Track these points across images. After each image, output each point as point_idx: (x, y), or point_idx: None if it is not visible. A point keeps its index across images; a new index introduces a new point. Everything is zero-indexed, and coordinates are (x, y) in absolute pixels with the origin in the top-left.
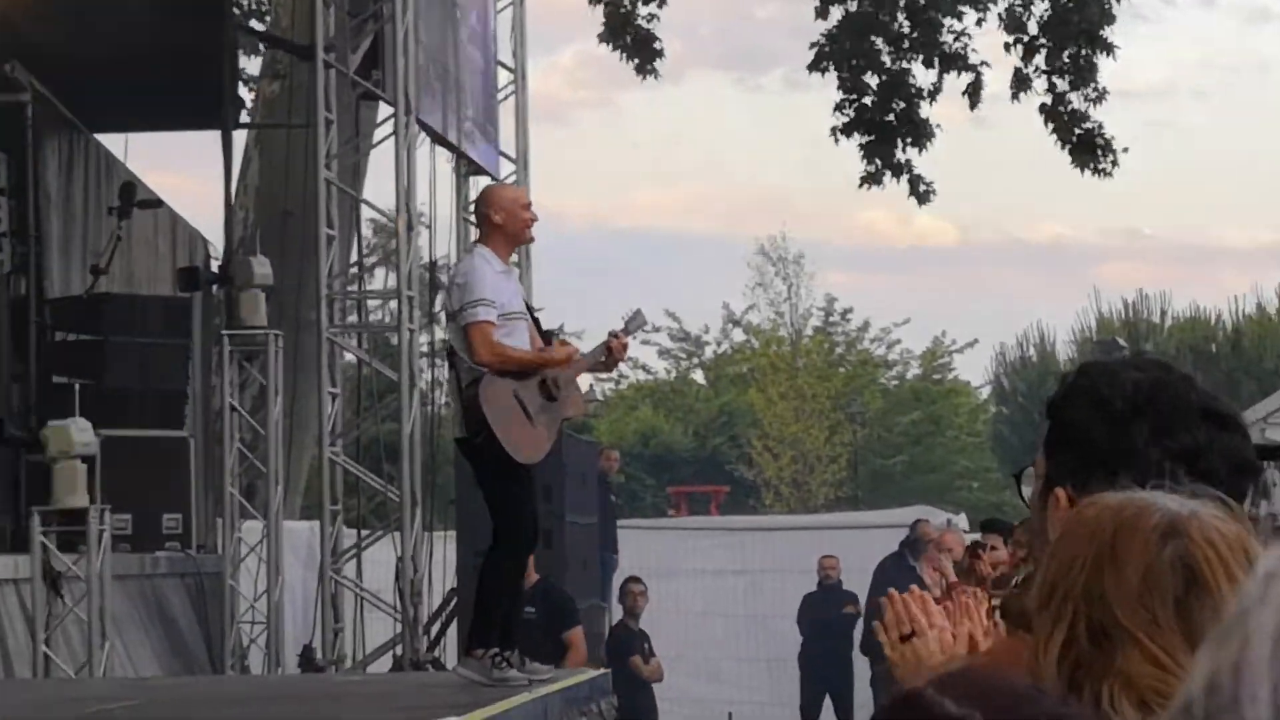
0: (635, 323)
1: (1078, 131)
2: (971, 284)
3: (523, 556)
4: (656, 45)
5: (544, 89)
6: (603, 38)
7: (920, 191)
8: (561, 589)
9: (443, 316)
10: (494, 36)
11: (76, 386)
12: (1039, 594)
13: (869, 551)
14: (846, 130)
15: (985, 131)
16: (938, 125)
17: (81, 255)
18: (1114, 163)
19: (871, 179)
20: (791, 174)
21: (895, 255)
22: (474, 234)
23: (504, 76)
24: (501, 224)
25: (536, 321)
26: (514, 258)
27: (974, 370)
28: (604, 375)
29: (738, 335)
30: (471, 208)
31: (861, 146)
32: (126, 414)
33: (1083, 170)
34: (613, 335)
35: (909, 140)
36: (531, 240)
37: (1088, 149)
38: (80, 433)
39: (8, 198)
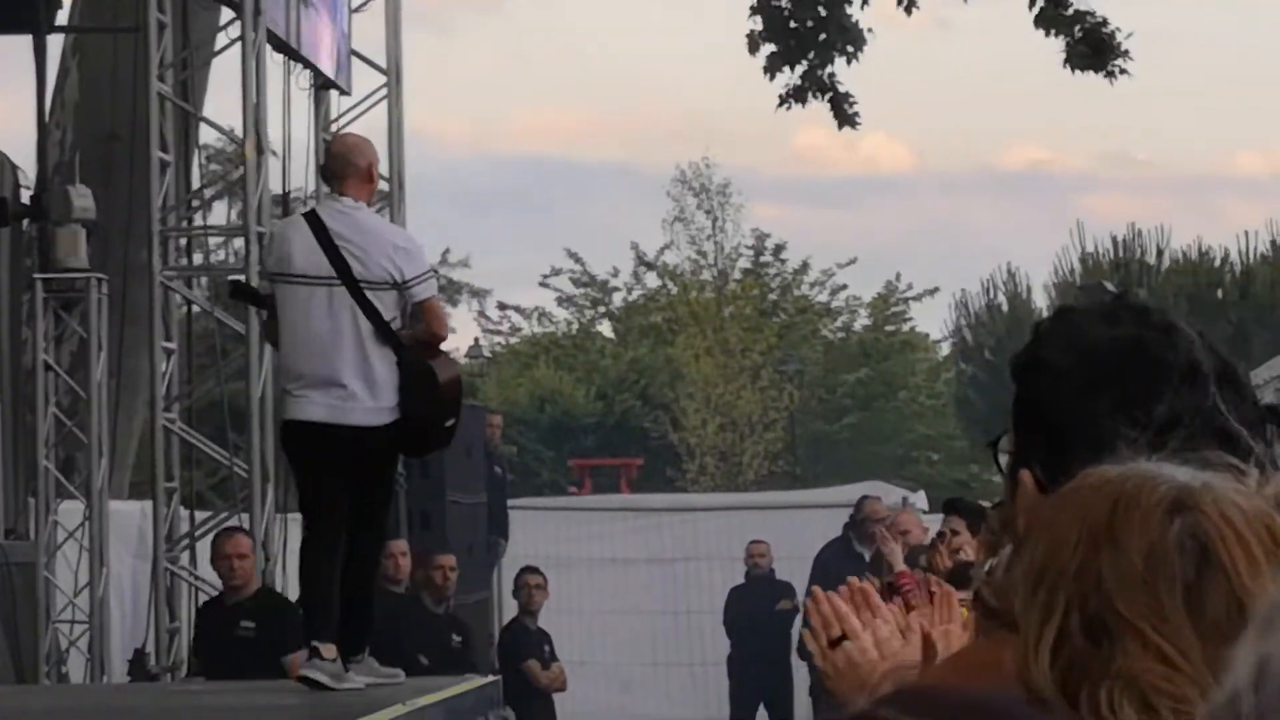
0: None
1: (1080, 28)
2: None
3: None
4: None
5: None
6: None
7: (845, 113)
8: (286, 599)
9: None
10: None
11: None
12: (1024, 583)
13: (808, 536)
14: (762, 37)
15: (946, 36)
16: (869, 29)
17: None
18: (1124, 63)
19: (794, 97)
20: (714, 90)
21: (839, 185)
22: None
23: None
24: (373, 181)
25: None
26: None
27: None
28: (491, 328)
29: (651, 280)
30: (333, 127)
31: (770, 58)
32: None
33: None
34: None
35: (834, 49)
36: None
37: (1093, 47)
38: None
39: None
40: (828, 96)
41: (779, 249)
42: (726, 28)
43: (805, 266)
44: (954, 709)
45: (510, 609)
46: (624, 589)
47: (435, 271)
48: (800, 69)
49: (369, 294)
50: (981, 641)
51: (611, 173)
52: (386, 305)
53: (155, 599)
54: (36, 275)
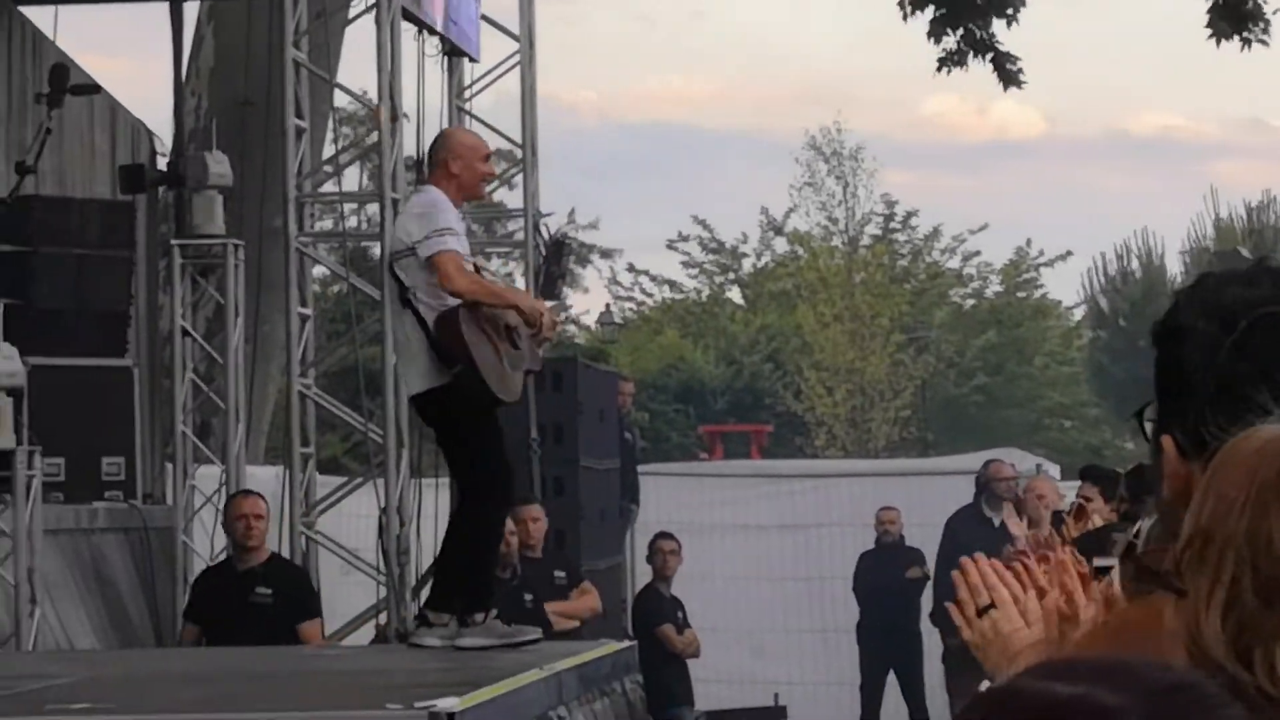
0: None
1: None
2: (1062, 185)
3: (508, 508)
4: None
5: None
6: None
7: (1009, 72)
8: (298, 567)
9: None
10: None
11: (0, 306)
12: (1189, 546)
13: (938, 503)
14: (917, 3)
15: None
16: None
17: (4, 151)
18: (1266, 30)
19: (951, 60)
20: (844, 56)
21: (970, 151)
22: (468, 126)
23: None
24: (458, 174)
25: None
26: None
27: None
28: (622, 295)
29: (780, 245)
30: (465, 94)
31: (933, 22)
32: (59, 339)
33: (1222, 40)
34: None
35: (992, 12)
36: (482, 197)
37: (1234, 12)
38: (4, 361)
39: None
40: (989, 57)
41: (910, 216)
42: None
43: (936, 232)
44: (1157, 688)
45: (643, 575)
46: (755, 555)
47: (449, 231)
48: (959, 32)
49: (395, 265)
50: (1134, 605)
51: (739, 139)
52: (410, 273)
53: None
54: (173, 241)
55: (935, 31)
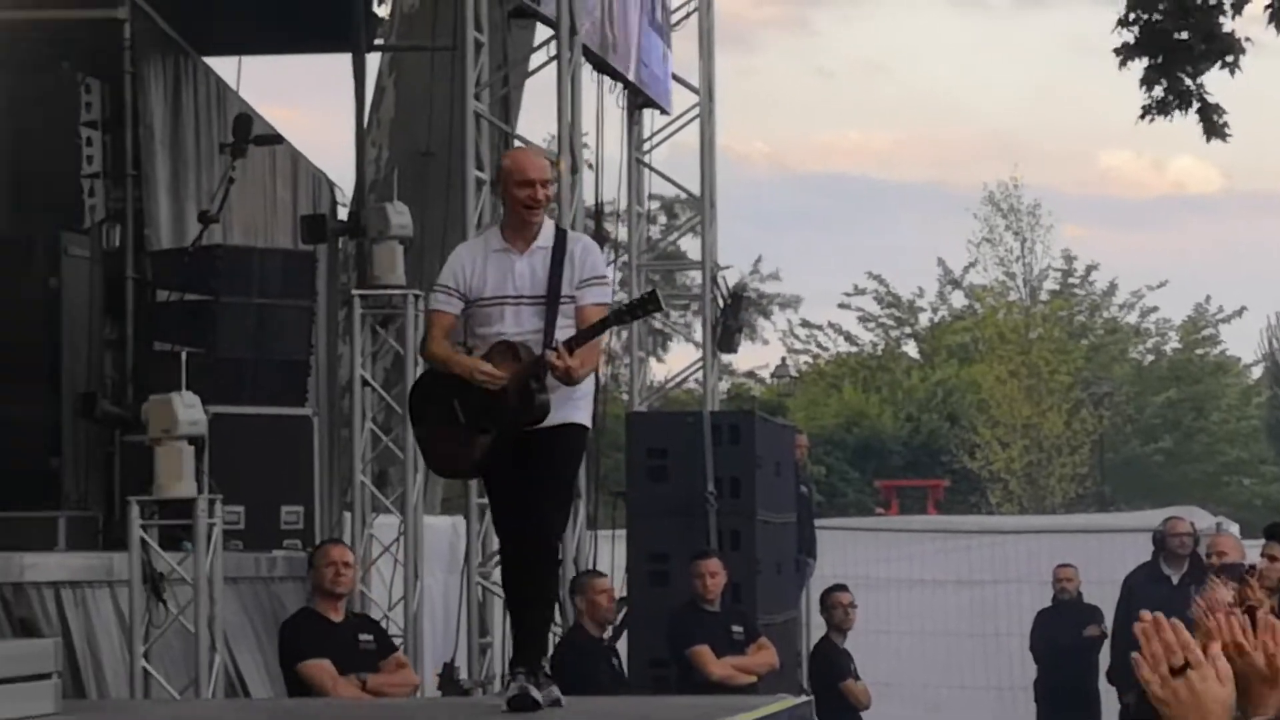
0: (635, 310)
1: None
2: (1240, 240)
3: (514, 565)
4: None
5: (723, 5)
6: None
7: (1215, 124)
8: (367, 615)
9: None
10: None
11: (182, 355)
12: None
13: (1116, 560)
14: (1131, 51)
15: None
16: (1246, 39)
17: (188, 200)
18: None
19: (1158, 108)
20: (1021, 110)
21: (1146, 206)
22: (646, 176)
23: None
24: (502, 201)
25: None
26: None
27: (1245, 343)
28: (798, 348)
29: (957, 300)
30: (645, 145)
31: (1147, 71)
32: (240, 388)
33: None
34: (552, 349)
35: (1207, 61)
36: (531, 224)
37: None
38: (186, 409)
39: (102, 132)
40: (1196, 108)
41: (1089, 270)
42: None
43: (1113, 288)
44: None
45: (818, 629)
46: (931, 610)
47: (440, 288)
48: (1165, 83)
49: None
50: None
51: (916, 192)
52: None
53: (466, 614)
54: (354, 291)
55: (1149, 80)
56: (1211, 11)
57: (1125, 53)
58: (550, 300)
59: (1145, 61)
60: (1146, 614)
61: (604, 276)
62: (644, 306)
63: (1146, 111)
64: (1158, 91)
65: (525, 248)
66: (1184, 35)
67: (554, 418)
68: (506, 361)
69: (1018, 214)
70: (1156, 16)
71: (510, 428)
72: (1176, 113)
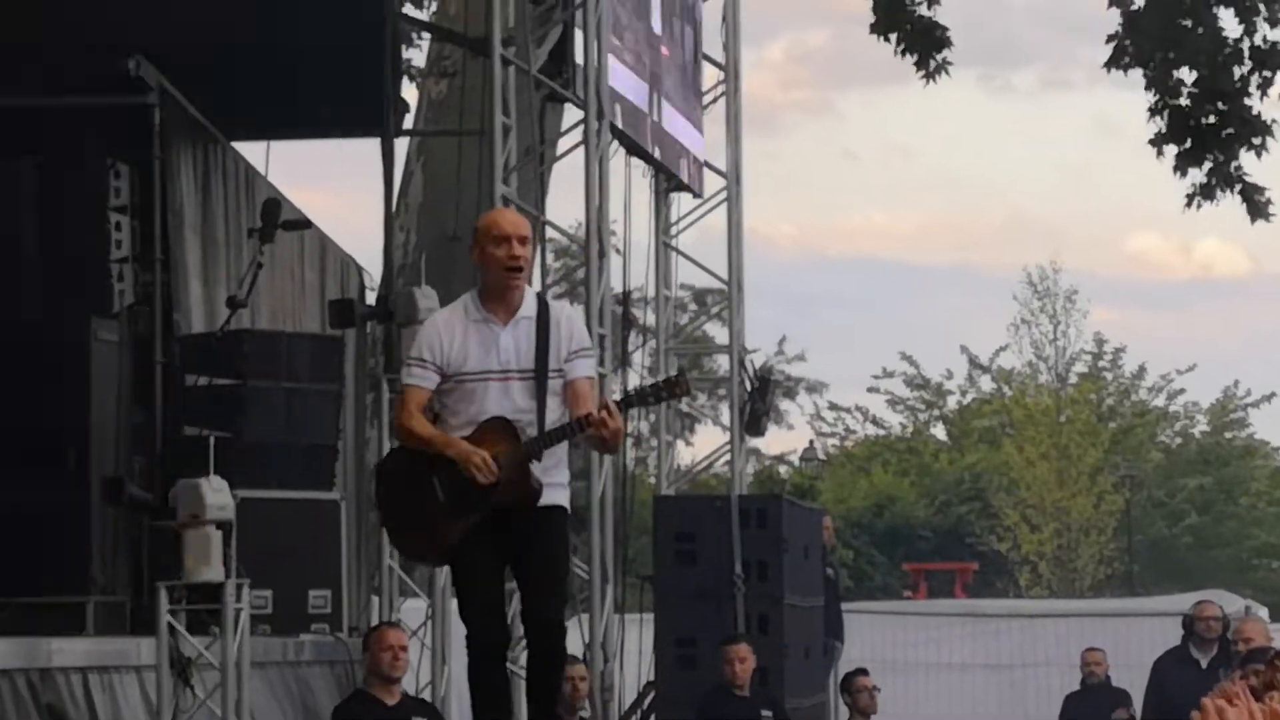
0: (660, 392)
1: None
2: (1268, 323)
3: (472, 664)
4: (940, 33)
5: (750, 89)
6: (875, 29)
7: (1257, 204)
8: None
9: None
10: (700, 27)
11: (210, 440)
12: None
13: (1145, 643)
14: (1164, 139)
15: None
16: (1273, 120)
17: (217, 285)
18: None
19: (1203, 194)
20: (1044, 192)
21: (1174, 289)
22: (674, 260)
23: (710, 74)
24: (478, 264)
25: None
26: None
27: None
28: (826, 431)
29: (985, 383)
30: (672, 229)
31: (1179, 156)
32: (268, 472)
33: None
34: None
35: (1238, 144)
36: (513, 290)
37: None
38: (215, 494)
39: (130, 217)
40: (1237, 189)
41: (1118, 353)
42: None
43: (1142, 371)
44: None
45: (845, 712)
46: (960, 694)
47: (415, 361)
48: (1205, 166)
49: None
50: None
51: (941, 275)
52: None
53: None
54: (383, 375)
55: (1181, 166)
56: (1238, 94)
57: (1159, 141)
58: (540, 375)
59: (1176, 149)
60: (1207, 702)
61: (590, 348)
62: (671, 389)
63: (1191, 199)
64: (1198, 176)
65: (508, 318)
66: (1211, 119)
67: (545, 498)
68: (503, 441)
69: (1054, 297)
70: (1184, 102)
71: (497, 510)
72: (1220, 195)
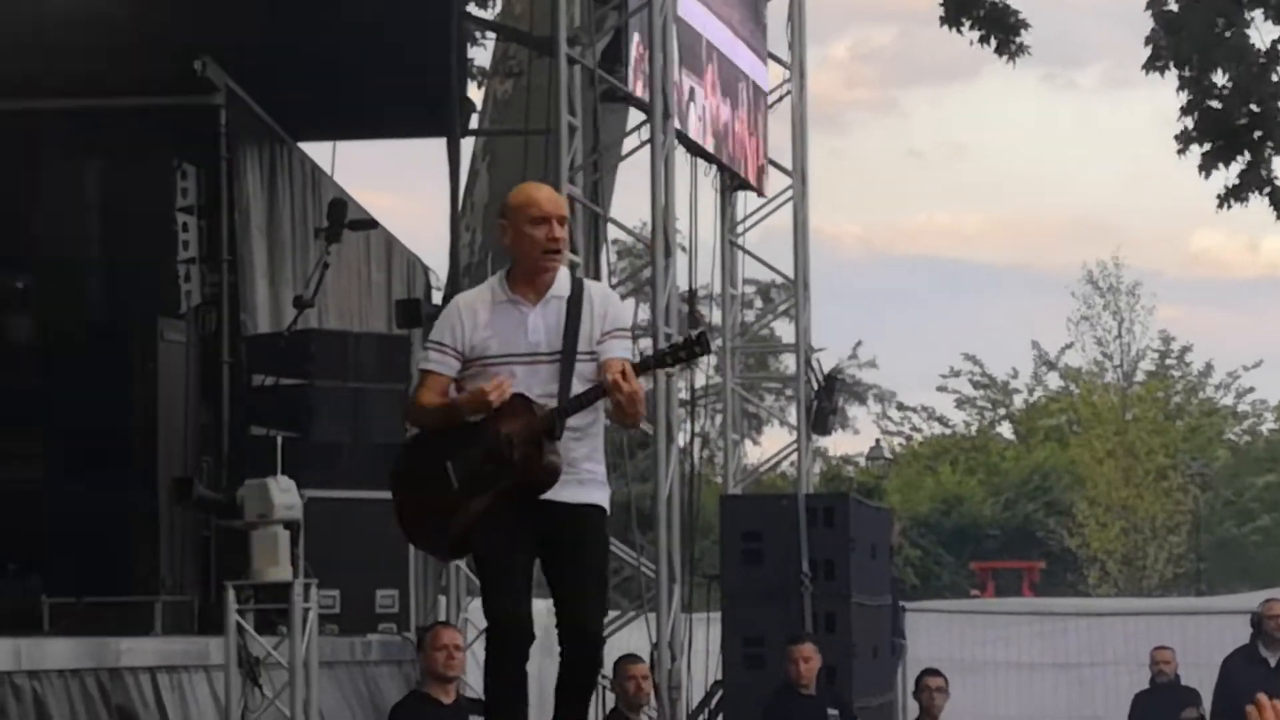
0: (679, 352)
1: None
2: None
3: (492, 655)
4: (1014, 18)
5: (815, 87)
6: (945, 20)
7: None
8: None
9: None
10: (765, 27)
11: (278, 440)
12: None
13: (1214, 642)
14: (1192, 138)
15: None
16: None
17: (284, 285)
18: None
19: (1232, 196)
20: (1109, 189)
21: (1241, 287)
22: (739, 259)
23: (776, 73)
24: (510, 244)
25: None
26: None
27: None
28: (892, 430)
29: (1053, 381)
30: (738, 228)
31: (1205, 156)
32: (335, 472)
33: None
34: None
35: (1270, 145)
36: (547, 272)
37: None
38: (282, 494)
39: (197, 218)
40: (1266, 192)
41: (1184, 351)
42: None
43: (1210, 369)
44: None
45: (913, 712)
46: (1029, 693)
47: (434, 345)
48: (1237, 167)
49: None
50: None
51: (1005, 274)
52: None
53: None
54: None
55: (1206, 166)
56: (1272, 98)
57: (1184, 139)
58: (566, 356)
59: (1203, 148)
60: (1263, 698)
61: (627, 329)
62: (691, 349)
63: (1223, 200)
64: (1231, 178)
65: (538, 298)
66: (1244, 121)
67: (571, 495)
68: (520, 417)
69: (1117, 293)
70: (1215, 103)
71: (512, 490)
72: (1251, 197)
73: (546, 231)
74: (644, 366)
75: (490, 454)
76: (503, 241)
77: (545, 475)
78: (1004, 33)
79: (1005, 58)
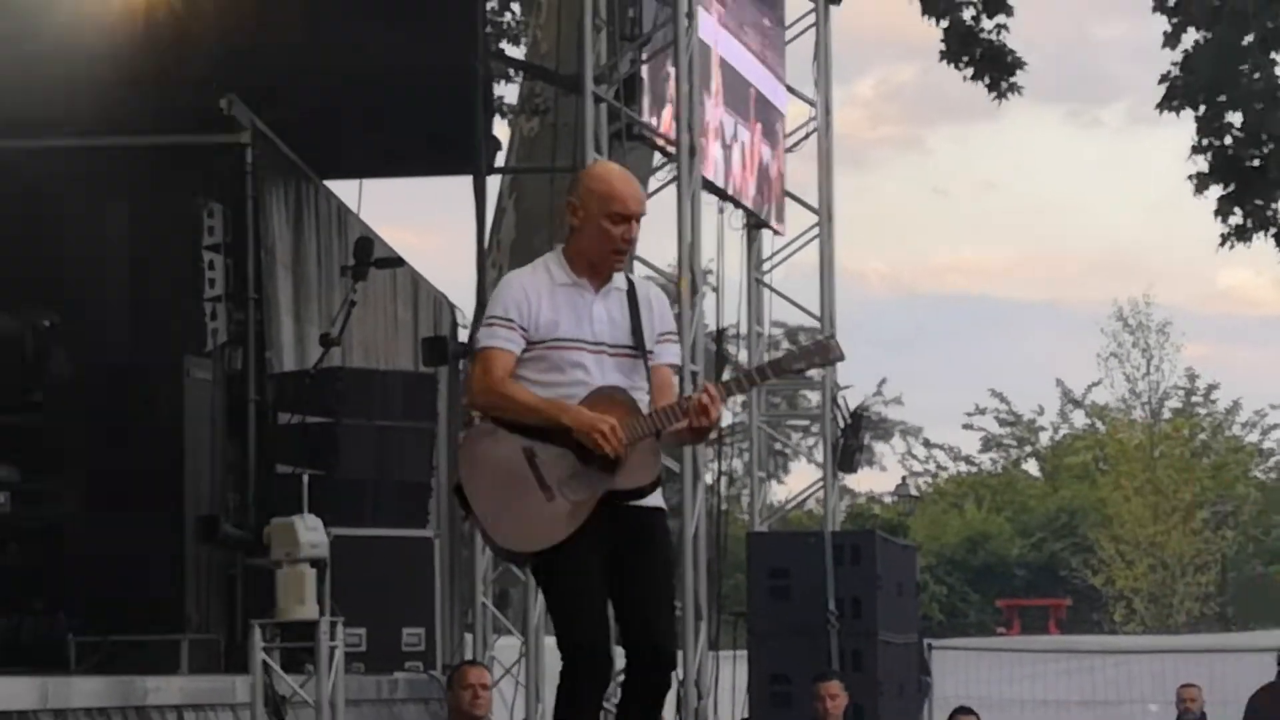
0: (804, 358)
1: None
2: None
3: (572, 687)
4: (1010, 57)
5: (840, 125)
6: (945, 55)
7: None
8: None
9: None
10: (783, 64)
11: (304, 478)
12: None
13: (1241, 680)
14: (1206, 180)
15: None
16: None
17: (310, 323)
18: None
19: (1237, 235)
20: (1134, 226)
21: (1268, 324)
22: (766, 297)
23: (800, 111)
24: (578, 228)
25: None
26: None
27: None
28: (917, 469)
29: (1078, 418)
30: (764, 266)
31: (1221, 200)
32: (361, 510)
33: None
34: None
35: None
36: (610, 266)
37: None
38: (309, 532)
39: (224, 256)
40: (1272, 233)
41: (1211, 389)
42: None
43: (1236, 406)
44: None
45: None
46: None
47: (499, 321)
48: (1245, 207)
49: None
50: None
51: (1031, 311)
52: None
53: None
54: (475, 413)
55: (1223, 210)
56: None
57: (1200, 180)
58: (640, 352)
59: (1219, 190)
60: None
61: (676, 332)
62: (825, 353)
63: (1225, 239)
64: (1234, 219)
65: (600, 286)
66: (1256, 162)
67: (639, 499)
68: (621, 414)
69: (1146, 330)
70: (1228, 143)
71: (615, 496)
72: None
73: (625, 231)
74: (747, 382)
75: (591, 455)
76: (569, 219)
77: (651, 484)
78: (1000, 72)
79: (994, 96)
